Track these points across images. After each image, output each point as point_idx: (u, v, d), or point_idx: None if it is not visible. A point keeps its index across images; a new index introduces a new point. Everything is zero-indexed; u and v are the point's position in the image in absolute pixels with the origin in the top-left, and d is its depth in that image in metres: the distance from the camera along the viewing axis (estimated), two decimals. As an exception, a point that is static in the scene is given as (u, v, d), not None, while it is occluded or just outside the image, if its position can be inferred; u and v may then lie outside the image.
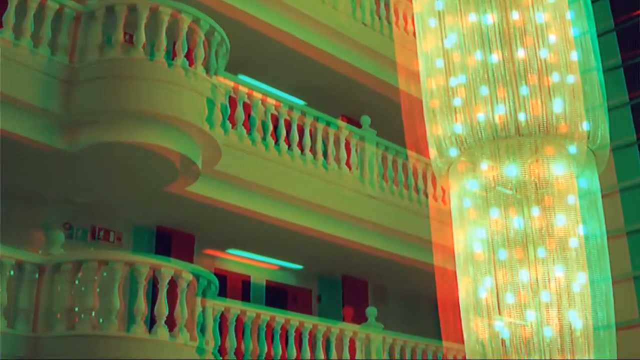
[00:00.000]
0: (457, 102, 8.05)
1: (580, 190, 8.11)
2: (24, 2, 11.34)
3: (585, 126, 8.08)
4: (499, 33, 8.13)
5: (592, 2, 9.04)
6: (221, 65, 12.57)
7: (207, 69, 12.06)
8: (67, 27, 11.70)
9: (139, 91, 11.45)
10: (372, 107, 17.05)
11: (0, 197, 12.24)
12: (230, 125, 13.15)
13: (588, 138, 8.12)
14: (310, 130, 14.63)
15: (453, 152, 8.12)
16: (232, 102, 13.35)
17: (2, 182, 12.19)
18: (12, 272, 10.67)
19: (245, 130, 13.41)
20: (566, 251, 7.72)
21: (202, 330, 11.68)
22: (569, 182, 8.02)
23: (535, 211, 7.81)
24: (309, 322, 13.74)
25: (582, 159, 8.18)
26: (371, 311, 15.04)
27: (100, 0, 11.92)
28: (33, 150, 11.46)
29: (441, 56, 8.30)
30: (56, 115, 11.31)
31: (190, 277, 11.41)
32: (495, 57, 8.03)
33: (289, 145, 14.16)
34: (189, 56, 11.95)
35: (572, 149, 8.08)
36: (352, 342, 14.38)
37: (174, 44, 11.94)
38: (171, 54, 11.86)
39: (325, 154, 14.81)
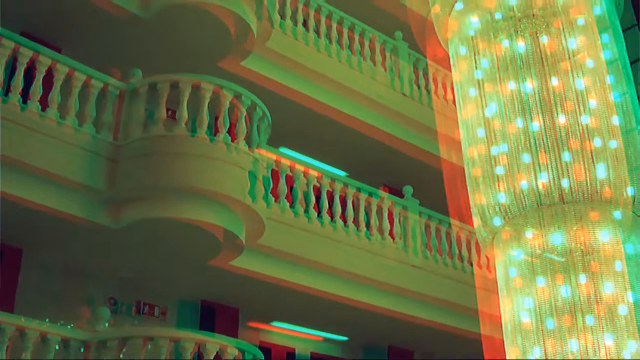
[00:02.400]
0: (499, 170, 8.02)
1: (628, 256, 7.99)
2: (69, 80, 11.57)
3: (630, 191, 8.00)
4: (539, 100, 8.13)
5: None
6: (263, 139, 12.67)
7: (249, 143, 12.16)
8: (111, 104, 11.90)
9: (182, 167, 11.56)
10: (413, 177, 17.03)
11: (44, 273, 12.37)
12: (272, 198, 13.19)
13: (633, 203, 8.04)
14: (353, 201, 14.63)
15: (497, 222, 8.07)
16: (275, 175, 13.42)
17: (47, 258, 12.32)
18: (57, 348, 10.69)
19: (287, 203, 13.44)
20: (615, 319, 7.58)
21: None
22: (616, 248, 7.92)
23: (582, 278, 7.70)
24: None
25: (628, 224, 8.07)
26: None
27: (142, 77, 12.14)
28: (77, 227, 11.57)
29: (482, 125, 8.31)
30: (100, 192, 11.44)
31: (236, 352, 11.36)
32: (537, 124, 8.02)
33: (332, 217, 14.16)
34: (230, 131, 12.07)
35: (617, 214, 7.99)
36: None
37: (216, 118, 12.07)
38: (213, 129, 11.99)
39: (368, 225, 14.77)
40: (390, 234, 15.13)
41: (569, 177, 7.83)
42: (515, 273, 7.99)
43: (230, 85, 12.16)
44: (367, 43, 16.43)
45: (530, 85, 8.19)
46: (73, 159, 11.24)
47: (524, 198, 7.84)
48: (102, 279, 13.27)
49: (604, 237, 7.86)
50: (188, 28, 13.31)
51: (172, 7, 12.97)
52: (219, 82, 12.12)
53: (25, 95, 11.10)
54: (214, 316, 14.63)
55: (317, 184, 14.10)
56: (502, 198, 7.97)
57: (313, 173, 14.03)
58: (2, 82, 10.90)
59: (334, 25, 15.84)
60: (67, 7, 12.80)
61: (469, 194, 8.45)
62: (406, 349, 17.83)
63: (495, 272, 8.41)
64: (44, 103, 11.21)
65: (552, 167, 7.83)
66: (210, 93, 11.99)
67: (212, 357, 11.04)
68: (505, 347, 8.06)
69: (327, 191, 14.26)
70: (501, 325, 8.20)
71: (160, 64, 13.24)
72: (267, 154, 13.04)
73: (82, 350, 10.90)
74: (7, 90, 11.04)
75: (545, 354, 7.55)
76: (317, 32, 15.58)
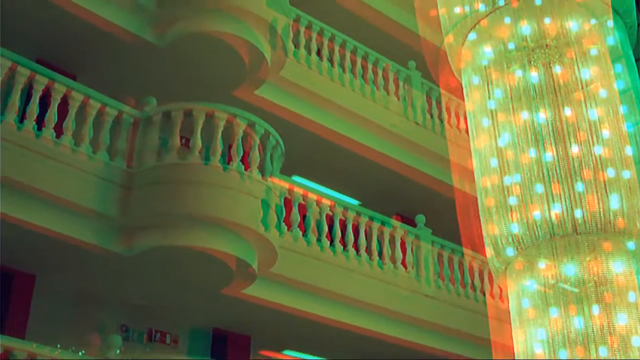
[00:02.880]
0: (512, 201, 8.01)
1: (642, 287, 7.95)
2: (84, 108, 11.64)
3: (643, 222, 7.97)
4: (552, 130, 8.12)
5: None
6: (276, 167, 12.71)
7: (262, 172, 12.20)
8: (125, 132, 11.97)
9: (195, 195, 11.60)
10: (426, 206, 17.01)
11: (57, 299, 12.39)
12: (285, 227, 13.20)
13: (647, 233, 8.00)
14: (366, 230, 14.62)
15: (510, 252, 8.04)
16: (287, 203, 13.44)
17: (60, 285, 12.34)
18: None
19: (300, 232, 13.43)
20: (629, 350, 7.53)
21: None
22: (629, 278, 7.87)
23: (596, 310, 7.65)
24: None
25: (641, 255, 8.04)
26: None
27: (157, 105, 12.21)
28: (90, 254, 11.60)
29: (495, 155, 8.31)
30: (113, 219, 11.48)
31: (247, 380, 11.33)
32: (550, 155, 8.01)
33: (345, 246, 14.14)
34: (244, 159, 12.11)
35: (631, 245, 7.96)
36: None
37: (230, 146, 12.12)
38: (227, 157, 12.03)
39: (380, 254, 14.74)
40: (403, 263, 15.10)
41: (582, 208, 7.81)
42: (528, 304, 7.95)
43: (243, 114, 12.22)
44: (380, 72, 16.48)
45: (543, 115, 8.19)
46: (87, 186, 11.29)
47: (537, 228, 7.82)
48: (114, 306, 13.28)
49: (617, 268, 7.82)
50: (202, 57, 13.40)
51: (187, 36, 13.06)
52: (232, 110, 12.18)
53: (40, 122, 11.18)
54: (226, 344, 14.61)
55: (330, 213, 14.10)
56: (515, 228, 7.95)
57: (326, 202, 14.03)
58: (17, 109, 10.99)
59: (348, 54, 15.90)
60: (83, 34, 12.91)
61: (482, 224, 8.43)
62: (418, 378, 17.74)
63: (508, 302, 8.37)
64: (58, 130, 11.29)
65: (565, 198, 7.82)
66: (224, 121, 12.05)
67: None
68: (518, 378, 8.02)
69: (340, 220, 14.25)
70: (514, 355, 8.15)
71: (174, 92, 13.32)
72: (280, 183, 13.06)
73: (93, 377, 10.91)
74: (22, 117, 11.13)
75: (558, 386, 7.50)
76: (330, 61, 15.64)
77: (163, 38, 13.14)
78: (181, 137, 12.09)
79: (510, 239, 7.99)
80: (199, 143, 11.81)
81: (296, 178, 15.10)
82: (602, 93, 8.39)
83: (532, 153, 8.08)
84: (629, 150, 8.22)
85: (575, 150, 8.01)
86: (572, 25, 8.65)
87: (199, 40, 13.08)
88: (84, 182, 11.28)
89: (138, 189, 11.59)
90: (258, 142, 12.29)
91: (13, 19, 12.33)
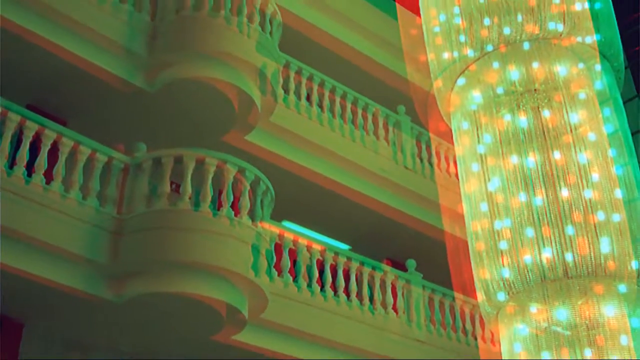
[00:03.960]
0: (503, 245, 8.02)
1: (633, 330, 7.94)
2: (74, 154, 11.65)
3: (634, 264, 7.98)
4: (542, 174, 8.16)
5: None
6: (266, 213, 12.70)
7: (252, 218, 12.18)
8: (115, 178, 11.96)
9: (185, 242, 11.56)
10: (417, 250, 16.98)
11: (46, 346, 12.28)
12: (276, 272, 13.15)
13: (638, 276, 8.01)
14: (356, 275, 14.58)
15: (501, 297, 8.04)
16: (278, 249, 13.40)
17: (49, 331, 12.24)
18: None
19: (290, 277, 13.39)
20: (623, 394, 7.51)
21: None
22: (621, 322, 7.87)
23: (588, 353, 7.64)
24: None
25: (633, 298, 8.04)
26: None
27: (147, 151, 12.22)
28: (80, 301, 11.51)
29: (485, 199, 8.33)
30: (103, 266, 11.43)
31: None
32: (540, 199, 8.04)
33: (335, 291, 14.08)
34: (234, 205, 12.10)
35: (622, 288, 7.97)
36: None
37: (220, 192, 12.11)
38: (217, 203, 12.02)
39: (371, 299, 14.68)
40: (394, 307, 15.04)
41: (572, 251, 7.83)
42: (520, 348, 7.93)
43: (234, 160, 12.24)
44: (370, 117, 16.53)
45: (532, 159, 8.24)
46: (76, 232, 11.25)
47: (528, 273, 7.82)
48: (104, 353, 13.14)
49: (609, 311, 7.83)
50: (192, 102, 13.45)
51: (177, 81, 13.12)
52: (223, 156, 12.20)
53: (30, 168, 11.17)
54: (216, 392, 14.46)
55: (321, 258, 14.07)
56: (506, 273, 7.95)
57: (316, 247, 14.00)
58: (7, 154, 10.98)
59: (337, 99, 15.96)
60: (73, 80, 12.95)
61: (473, 268, 8.43)
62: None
63: (500, 346, 8.35)
64: (48, 176, 11.28)
65: (555, 241, 7.83)
66: (214, 167, 12.07)
67: None
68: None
69: (331, 265, 14.22)
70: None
71: (164, 138, 13.36)
72: (270, 228, 13.05)
73: None
74: (12, 163, 11.11)
75: None
76: (320, 106, 15.70)
77: (153, 84, 13.19)
78: (171, 182, 12.08)
79: (501, 284, 7.99)
80: (189, 189, 11.81)
81: (286, 223, 15.08)
82: (591, 136, 8.45)
83: (522, 197, 8.11)
84: (618, 193, 8.25)
85: (565, 193, 8.05)
86: (560, 69, 8.74)
87: (189, 85, 13.14)
88: (74, 229, 11.23)
89: (128, 236, 11.55)
90: (248, 187, 12.29)
91: (4, 65, 12.36)
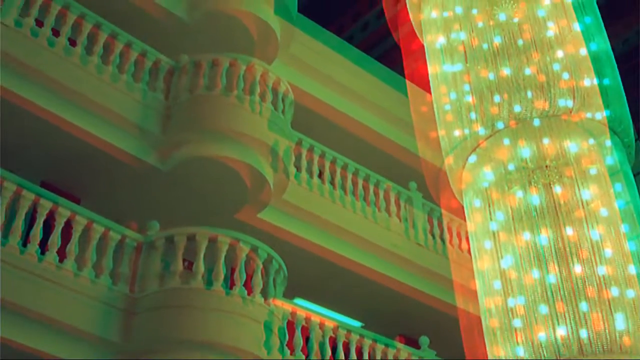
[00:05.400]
0: (517, 322, 7.97)
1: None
2: (87, 232, 11.68)
3: (650, 341, 7.91)
4: (555, 250, 8.14)
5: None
6: (279, 291, 12.66)
7: (265, 296, 12.16)
8: (128, 256, 11.97)
9: (198, 321, 11.51)
10: (430, 327, 16.84)
11: None
12: (288, 350, 13.03)
13: (654, 353, 7.93)
14: (369, 352, 14.42)
15: (515, 377, 7.96)
16: (290, 326, 13.31)
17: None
18: None
19: (303, 355, 13.25)
20: None
21: None
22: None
23: None
24: None
25: (650, 376, 7.95)
26: None
27: (160, 229, 12.26)
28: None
29: (498, 277, 8.31)
30: (116, 345, 11.37)
31: None
32: (553, 275, 8.01)
33: (348, 369, 13.95)
34: (247, 283, 12.08)
35: (639, 365, 7.88)
36: None
37: (233, 270, 12.11)
38: (229, 281, 12.01)
39: (384, 376, 14.52)
40: (408, 384, 14.86)
41: (587, 328, 7.76)
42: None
43: (246, 239, 12.26)
44: (382, 193, 16.56)
45: (545, 235, 8.22)
46: (89, 310, 11.23)
47: (543, 350, 7.76)
48: None
49: (626, 389, 7.73)
50: (205, 180, 13.53)
51: (190, 160, 13.23)
52: (235, 235, 12.23)
53: (43, 246, 11.21)
54: None
55: (333, 335, 13.95)
56: (521, 351, 7.89)
57: (329, 324, 13.89)
58: (21, 232, 11.02)
59: (349, 176, 16.01)
60: (87, 157, 13.07)
61: (487, 346, 8.36)
62: None
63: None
64: (61, 254, 11.30)
65: (570, 318, 7.78)
66: (227, 246, 12.09)
67: None
68: None
69: (343, 342, 14.08)
70: None
71: (177, 215, 13.40)
72: (283, 305, 12.98)
73: None
74: (25, 241, 11.14)
75: None
76: (332, 183, 15.75)
77: (166, 162, 13.29)
78: (184, 260, 12.09)
79: (516, 362, 7.92)
80: (202, 268, 11.81)
81: (298, 300, 15.00)
82: (603, 212, 8.45)
83: (535, 274, 8.08)
84: (632, 269, 8.22)
85: (578, 270, 8.02)
86: (571, 145, 8.77)
87: (202, 164, 13.24)
88: (86, 307, 11.22)
89: (140, 314, 11.53)
90: (261, 266, 12.30)
91: (19, 142, 12.51)
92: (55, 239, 11.33)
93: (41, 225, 11.33)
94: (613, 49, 9.87)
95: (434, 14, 10.25)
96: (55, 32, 12.83)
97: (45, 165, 13.24)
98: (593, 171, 8.72)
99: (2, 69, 11.83)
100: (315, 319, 13.63)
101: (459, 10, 9.79)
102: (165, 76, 13.86)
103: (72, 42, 12.96)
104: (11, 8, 12.20)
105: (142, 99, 13.29)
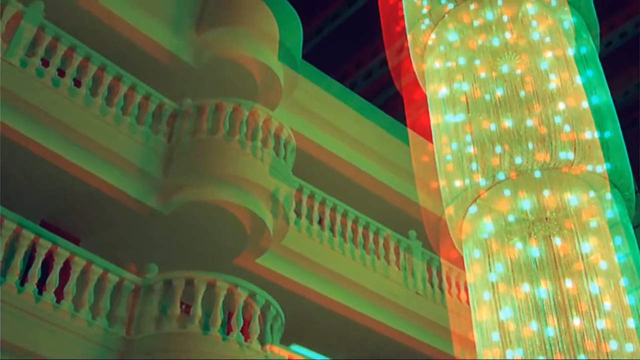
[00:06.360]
0: (515, 375, 7.93)
1: None
2: (85, 273, 11.65)
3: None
4: (554, 303, 8.12)
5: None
6: (276, 337, 12.61)
7: (262, 342, 12.11)
8: (125, 299, 11.94)
9: (194, 365, 11.48)
10: (428, 375, 16.77)
11: None
12: (285, 398, 12.98)
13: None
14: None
15: None
16: (287, 372, 13.25)
17: None
18: None
19: (300, 403, 13.22)
20: None
21: None
22: None
23: None
24: None
25: None
26: None
27: (158, 271, 12.23)
28: None
29: (496, 328, 8.27)
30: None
31: None
32: (552, 328, 7.98)
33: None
34: (244, 329, 12.03)
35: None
36: None
37: (230, 315, 12.06)
38: (226, 326, 11.96)
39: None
40: None
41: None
42: None
43: (244, 284, 12.25)
44: (381, 241, 16.56)
45: (544, 288, 8.20)
46: (85, 352, 11.19)
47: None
48: None
49: None
50: (205, 224, 13.54)
51: (191, 204, 13.24)
52: (234, 280, 12.21)
53: (41, 286, 11.18)
54: None
55: (330, 383, 13.90)
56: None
57: (326, 372, 13.85)
58: (19, 271, 11.00)
59: (349, 223, 16.02)
60: (88, 198, 13.08)
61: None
62: None
63: None
64: (59, 294, 11.27)
65: (568, 372, 7.74)
66: (225, 291, 12.07)
67: None
68: None
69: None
70: None
71: (176, 259, 13.39)
72: (280, 352, 12.92)
73: None
74: (23, 280, 11.11)
75: None
76: (332, 230, 15.75)
77: (167, 205, 13.31)
78: (181, 303, 12.05)
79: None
80: (200, 312, 11.77)
81: (295, 347, 14.93)
82: (603, 265, 8.44)
83: (533, 326, 8.05)
84: (631, 323, 8.19)
85: (577, 323, 7.99)
86: (571, 198, 8.77)
87: (202, 208, 13.26)
88: (83, 348, 11.17)
89: (136, 357, 11.46)
90: (259, 312, 12.27)
91: (21, 181, 12.54)
92: (54, 279, 11.32)
93: (40, 264, 11.31)
94: (614, 101, 9.92)
95: (437, 64, 10.32)
96: (61, 72, 12.92)
97: (45, 204, 13.25)
98: (593, 224, 8.72)
99: (6, 107, 11.89)
100: (313, 366, 13.58)
101: (462, 61, 9.86)
102: (168, 119, 13.94)
103: (77, 83, 13.05)
104: (18, 47, 12.30)
105: (145, 142, 13.34)
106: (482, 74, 9.55)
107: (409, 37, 10.91)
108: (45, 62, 12.79)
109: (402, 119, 17.52)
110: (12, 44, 12.27)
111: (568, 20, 10.02)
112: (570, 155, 8.87)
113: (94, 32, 14.10)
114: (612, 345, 7.94)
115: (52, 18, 13.04)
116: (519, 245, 8.52)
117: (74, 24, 13.72)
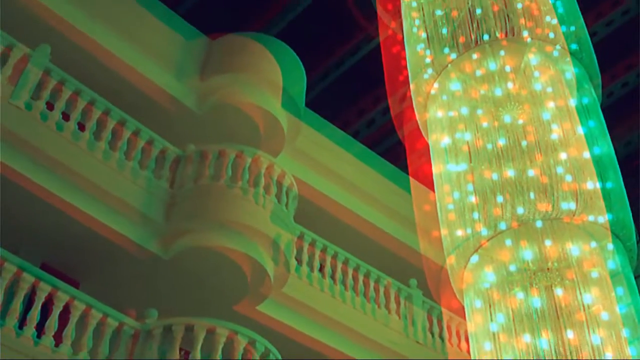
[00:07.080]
0: None
1: None
2: (85, 317, 11.61)
3: None
4: (555, 354, 8.08)
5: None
6: (275, 381, 12.55)
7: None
8: (124, 344, 11.89)
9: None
10: None
11: None
12: None
13: None
14: None
15: None
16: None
17: None
18: None
19: None
20: None
21: None
22: None
23: None
24: None
25: None
26: None
27: (158, 317, 12.19)
28: None
29: (498, 378, 8.23)
30: None
31: None
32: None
33: None
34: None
35: None
36: None
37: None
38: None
39: None
40: None
41: None
42: None
43: (244, 331, 12.21)
44: (382, 290, 16.51)
45: (545, 338, 8.16)
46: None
47: None
48: None
49: None
50: (206, 271, 13.53)
51: (192, 250, 13.25)
52: (233, 327, 12.18)
53: (40, 329, 11.13)
54: None
55: None
56: None
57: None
58: (18, 314, 10.96)
59: (350, 271, 15.99)
60: (89, 242, 13.09)
61: None
62: None
63: None
64: (58, 338, 11.22)
65: None
66: (224, 338, 12.03)
67: None
68: None
69: None
70: None
71: (176, 304, 13.35)
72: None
73: None
74: (22, 323, 11.07)
75: None
76: (333, 277, 15.71)
77: (168, 251, 13.30)
78: (181, 349, 12.00)
79: None
80: (199, 358, 11.71)
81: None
82: (604, 316, 8.40)
83: (535, 377, 8.00)
84: (634, 374, 8.14)
85: (579, 375, 7.94)
86: (573, 248, 8.76)
87: (203, 254, 13.26)
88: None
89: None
90: (258, 359, 12.19)
91: (22, 223, 12.55)
92: (53, 322, 11.28)
93: (39, 308, 11.28)
94: (615, 151, 9.95)
95: (440, 113, 10.36)
96: (65, 116, 12.99)
97: (46, 247, 13.24)
98: (595, 274, 8.70)
99: (10, 149, 11.94)
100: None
101: (464, 110, 9.91)
102: (171, 164, 13.98)
103: (81, 127, 13.11)
104: (23, 90, 12.38)
105: (147, 187, 13.38)
106: (485, 124, 9.58)
107: (411, 86, 10.97)
108: (50, 106, 12.88)
109: (404, 168, 17.59)
110: (18, 87, 12.36)
111: (570, 70, 10.08)
112: (572, 206, 8.87)
113: (99, 76, 14.21)
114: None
115: (57, 62, 13.14)
116: (520, 295, 8.49)
117: (79, 67, 13.84)
